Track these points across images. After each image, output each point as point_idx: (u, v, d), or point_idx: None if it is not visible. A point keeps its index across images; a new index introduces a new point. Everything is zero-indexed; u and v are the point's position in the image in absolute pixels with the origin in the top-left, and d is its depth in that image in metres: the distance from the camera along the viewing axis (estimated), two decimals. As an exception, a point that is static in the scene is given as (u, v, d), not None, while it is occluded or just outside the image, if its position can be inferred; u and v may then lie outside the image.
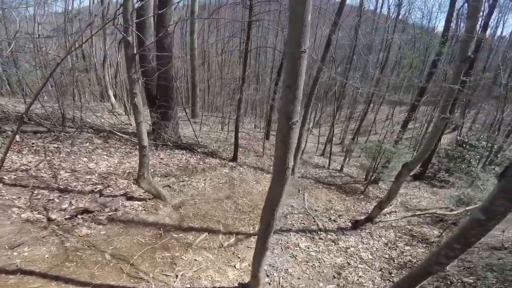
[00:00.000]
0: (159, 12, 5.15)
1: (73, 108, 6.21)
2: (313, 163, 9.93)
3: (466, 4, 9.28)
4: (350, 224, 5.03)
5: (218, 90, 16.97)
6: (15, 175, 3.67)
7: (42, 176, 3.81)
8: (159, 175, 5.02)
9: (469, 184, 7.19)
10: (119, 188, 4.08)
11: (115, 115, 8.23)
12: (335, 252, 4.03)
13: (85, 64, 10.70)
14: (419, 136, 15.05)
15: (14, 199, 3.22)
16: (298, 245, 4.04)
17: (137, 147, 5.76)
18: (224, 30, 17.38)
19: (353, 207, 6.14)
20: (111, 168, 4.64)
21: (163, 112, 6.26)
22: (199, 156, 6.50)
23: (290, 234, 4.31)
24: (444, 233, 5.03)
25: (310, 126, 16.02)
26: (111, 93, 10.21)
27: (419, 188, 8.84)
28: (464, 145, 9.39)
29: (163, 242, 3.25)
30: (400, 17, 16.77)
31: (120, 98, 10.79)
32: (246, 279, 3.02)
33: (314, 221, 4.93)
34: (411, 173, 9.51)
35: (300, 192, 6.32)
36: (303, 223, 4.81)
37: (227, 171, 6.14)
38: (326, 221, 5.06)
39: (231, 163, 6.66)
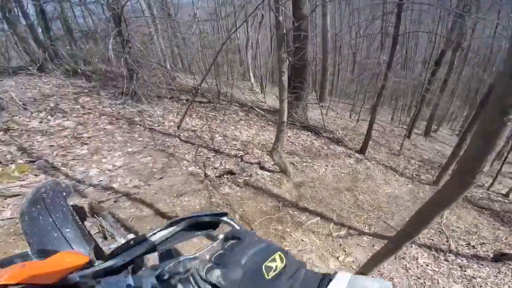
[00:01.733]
0: None
1: (225, 85, 7.44)
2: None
3: None
4: (491, 255, 3.79)
5: (349, 76, 15.84)
6: (187, 134, 4.84)
7: (204, 137, 4.85)
8: (285, 151, 5.31)
9: None
10: (254, 157, 4.66)
11: (254, 93, 9.33)
12: (456, 278, 3.19)
13: (235, 46, 12.05)
14: None
15: (185, 153, 4.16)
16: (417, 259, 3.43)
17: (269, 123, 6.38)
18: (359, 13, 15.60)
19: (505, 239, 4.52)
20: (250, 138, 5.35)
21: (296, 93, 6.49)
22: (323, 141, 6.45)
23: (412, 245, 3.69)
24: None
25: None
26: (251, 73, 11.52)
27: None
28: None
29: (279, 215, 3.41)
30: None
31: (257, 78, 11.94)
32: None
33: (447, 241, 3.98)
34: None
35: (440, 205, 5.18)
36: (432, 239, 3.99)
37: (351, 162, 5.80)
38: (461, 244, 3.99)
39: (357, 155, 6.23)
